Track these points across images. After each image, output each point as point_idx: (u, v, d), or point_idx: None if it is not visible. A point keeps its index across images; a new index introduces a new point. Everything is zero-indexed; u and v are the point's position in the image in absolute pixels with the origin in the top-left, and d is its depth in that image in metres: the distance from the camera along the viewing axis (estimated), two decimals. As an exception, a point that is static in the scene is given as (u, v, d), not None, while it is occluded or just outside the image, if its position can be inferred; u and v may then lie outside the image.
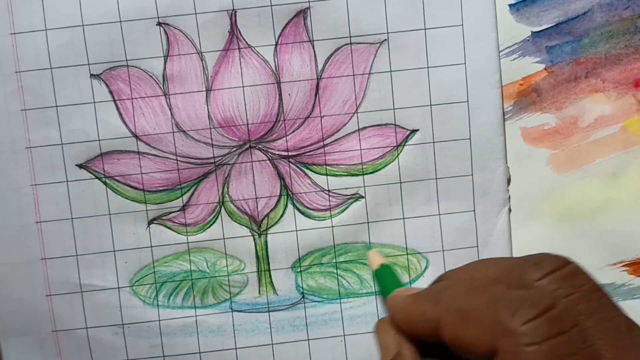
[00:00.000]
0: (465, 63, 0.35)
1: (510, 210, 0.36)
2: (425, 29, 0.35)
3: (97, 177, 0.35)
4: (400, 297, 0.30)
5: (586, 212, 0.37)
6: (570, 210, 0.36)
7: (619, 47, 0.36)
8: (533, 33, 0.36)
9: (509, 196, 0.36)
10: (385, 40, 0.35)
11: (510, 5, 0.36)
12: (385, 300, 0.31)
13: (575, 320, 0.22)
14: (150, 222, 0.36)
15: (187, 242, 0.36)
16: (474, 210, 0.36)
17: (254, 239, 0.36)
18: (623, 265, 0.37)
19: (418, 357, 0.27)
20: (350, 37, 0.35)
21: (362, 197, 0.36)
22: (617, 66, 0.36)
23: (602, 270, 0.37)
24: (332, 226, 0.36)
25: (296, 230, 0.36)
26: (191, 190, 0.36)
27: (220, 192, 0.36)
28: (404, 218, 0.36)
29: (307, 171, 0.36)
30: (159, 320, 0.36)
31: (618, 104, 0.36)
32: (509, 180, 0.36)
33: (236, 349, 0.36)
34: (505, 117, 0.36)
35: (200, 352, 0.36)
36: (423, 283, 0.36)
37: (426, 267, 0.36)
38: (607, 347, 0.22)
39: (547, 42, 0.36)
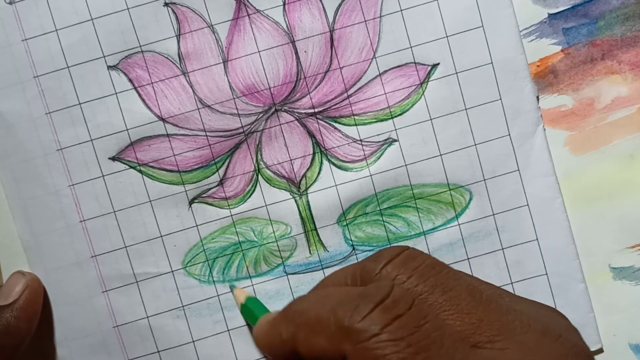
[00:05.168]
0: (473, -11, 0.35)
1: (544, 128, 0.36)
2: (427, -37, 0.35)
3: (131, 167, 0.35)
4: (260, 324, 0.30)
5: (604, 193, 0.36)
6: (587, 192, 0.36)
7: (635, 30, 0.36)
8: (550, 15, 0.36)
9: (541, 114, 0.36)
10: (390, -19, 0.35)
11: (528, -13, 0.36)
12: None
13: (412, 301, 0.23)
14: (191, 202, 0.36)
15: (231, 215, 0.36)
16: (509, 134, 0.36)
17: (296, 201, 0.36)
18: (642, 249, 0.37)
19: None
20: (355, -16, 0.35)
21: (395, 140, 0.36)
22: (632, 48, 0.36)
23: (621, 252, 0.36)
24: (371, 175, 0.36)
25: (335, 185, 0.36)
26: (226, 164, 0.36)
27: (254, 160, 0.36)
28: (440, 155, 0.36)
29: (336, 124, 0.36)
30: (218, 296, 0.36)
31: (634, 85, 0.36)
32: (538, 98, 0.36)
33: (297, 313, 0.36)
34: (523, 37, 0.36)
35: (262, 323, 0.36)
36: (469, 216, 0.36)
37: (470, 199, 0.36)
38: (452, 315, 0.23)
39: (564, 24, 0.36)
